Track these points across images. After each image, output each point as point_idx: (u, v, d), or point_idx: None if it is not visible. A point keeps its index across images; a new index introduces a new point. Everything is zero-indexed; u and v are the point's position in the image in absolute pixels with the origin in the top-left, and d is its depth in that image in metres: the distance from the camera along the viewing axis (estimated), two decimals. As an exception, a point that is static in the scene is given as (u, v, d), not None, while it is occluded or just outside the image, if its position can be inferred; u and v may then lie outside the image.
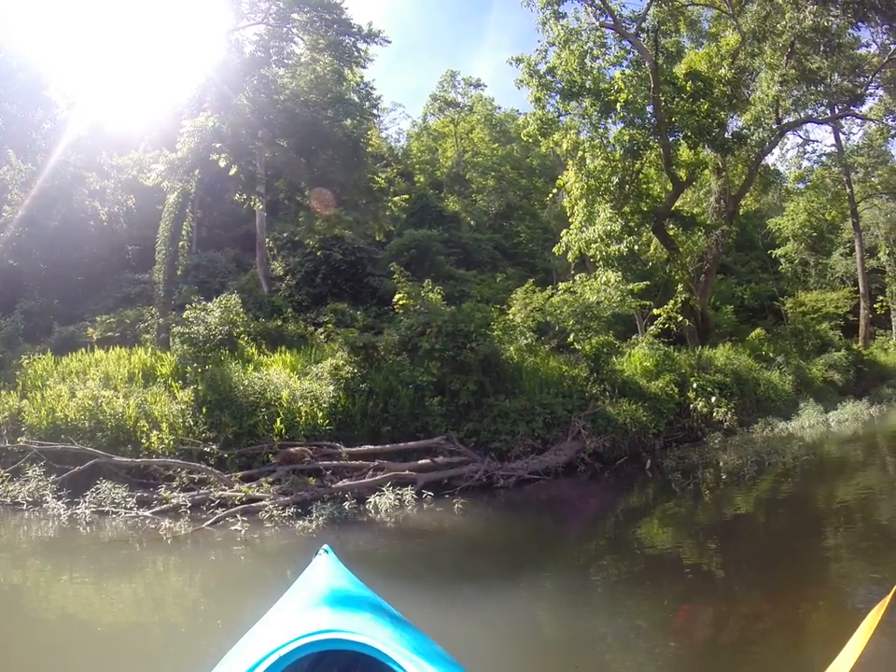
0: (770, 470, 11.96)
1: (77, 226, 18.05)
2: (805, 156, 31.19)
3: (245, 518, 8.14)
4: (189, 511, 8.61)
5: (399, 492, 9.12)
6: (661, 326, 17.38)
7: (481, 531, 8.72)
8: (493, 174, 31.26)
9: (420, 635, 2.64)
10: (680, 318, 18.00)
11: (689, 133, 18.76)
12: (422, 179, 29.65)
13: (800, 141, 30.72)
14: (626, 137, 17.68)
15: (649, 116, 18.63)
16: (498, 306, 14.11)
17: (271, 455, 9.45)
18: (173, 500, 8.83)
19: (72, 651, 5.10)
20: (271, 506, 8.48)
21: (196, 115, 13.83)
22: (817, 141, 40.23)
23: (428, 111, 37.74)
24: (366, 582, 3.17)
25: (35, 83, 21.78)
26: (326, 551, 3.29)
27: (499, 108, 35.93)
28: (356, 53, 16.01)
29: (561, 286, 15.72)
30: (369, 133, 14.43)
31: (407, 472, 9.72)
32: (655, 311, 17.40)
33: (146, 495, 9.10)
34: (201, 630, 5.57)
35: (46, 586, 6.94)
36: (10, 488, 9.39)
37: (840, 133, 28.93)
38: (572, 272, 19.14)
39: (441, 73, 57.15)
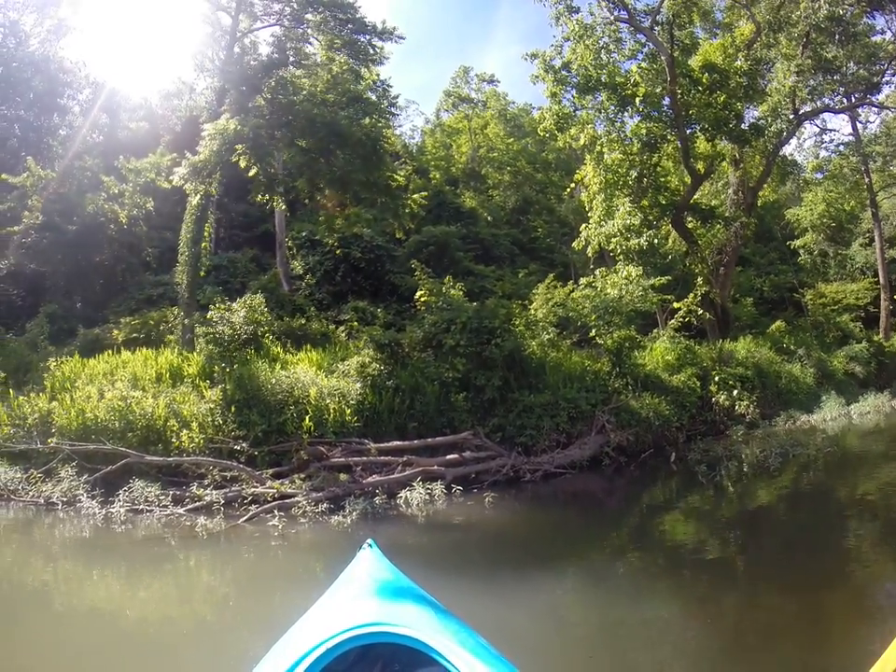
0: (794, 463, 11.92)
1: (96, 230, 18.24)
2: (823, 146, 30.88)
3: (282, 514, 8.17)
4: (222, 509, 8.66)
5: (429, 486, 9.16)
6: (681, 319, 17.28)
7: (510, 524, 8.75)
8: (508, 169, 31.19)
9: (466, 628, 2.65)
10: (700, 311, 17.87)
11: (706, 126, 18.66)
12: (437, 176, 29.66)
13: (817, 130, 30.50)
14: (643, 131, 17.61)
15: (665, 109, 18.56)
16: (520, 301, 14.09)
17: (303, 453, 9.48)
18: (206, 498, 8.89)
19: (105, 646, 5.15)
20: (304, 502, 8.53)
21: (215, 118, 13.93)
22: (834, 130, 39.67)
23: (442, 107, 37.89)
24: (406, 574, 3.16)
25: (50, 91, 22.08)
26: (370, 545, 3.30)
27: (513, 103, 36.19)
28: (371, 51, 16.03)
29: (582, 280, 15.66)
30: (386, 131, 14.41)
31: (435, 467, 9.75)
32: (675, 304, 17.30)
33: (178, 493, 9.18)
34: (238, 624, 5.63)
35: (79, 582, 7.02)
36: (43, 489, 9.49)
37: (857, 123, 28.61)
38: (591, 266, 19.06)
39: (450, 70, 57.37)
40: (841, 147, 30.09)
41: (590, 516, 9.49)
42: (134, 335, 14.91)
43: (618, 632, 5.17)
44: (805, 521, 8.49)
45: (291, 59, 15.23)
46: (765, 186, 24.84)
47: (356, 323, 14.47)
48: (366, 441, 9.99)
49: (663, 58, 18.70)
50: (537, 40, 62.07)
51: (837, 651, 4.58)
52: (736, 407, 15.07)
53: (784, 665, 4.50)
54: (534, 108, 35.14)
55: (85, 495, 9.15)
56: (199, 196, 13.02)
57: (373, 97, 14.86)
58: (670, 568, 6.69)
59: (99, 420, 10.26)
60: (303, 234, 21.12)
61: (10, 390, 11.55)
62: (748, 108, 22.48)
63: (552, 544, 7.89)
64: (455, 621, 2.69)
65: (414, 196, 14.64)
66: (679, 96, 18.03)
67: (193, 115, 20.38)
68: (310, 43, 17.02)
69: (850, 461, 12.48)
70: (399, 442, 10.11)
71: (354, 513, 8.26)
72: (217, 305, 11.65)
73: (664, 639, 4.98)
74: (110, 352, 13.00)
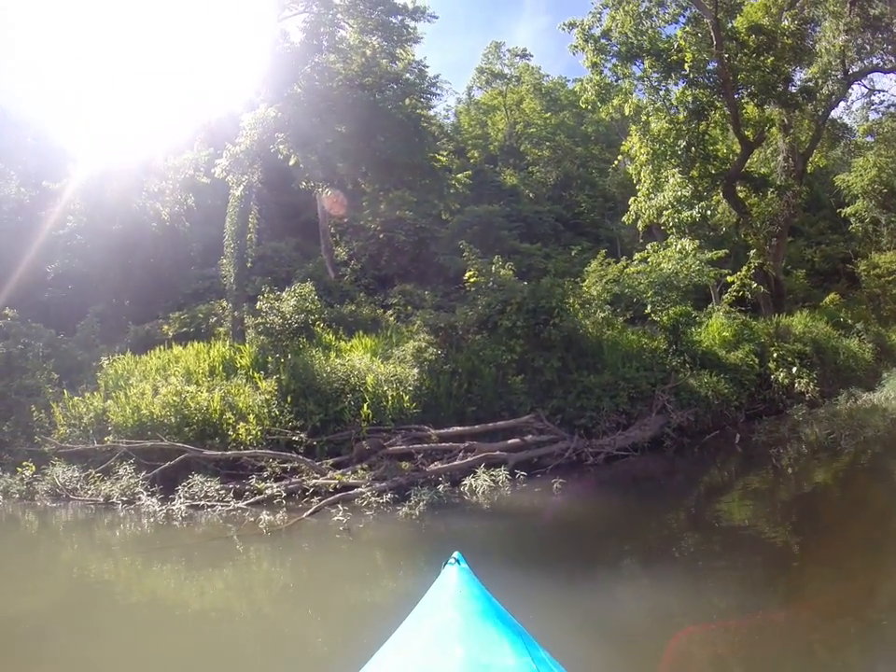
0: (866, 444, 11.36)
1: (139, 228, 18.39)
2: (873, 107, 29.48)
3: (345, 507, 7.94)
4: (284, 502, 8.49)
5: (493, 473, 8.87)
6: (735, 293, 16.62)
7: (580, 512, 8.41)
8: (547, 144, 30.52)
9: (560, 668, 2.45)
10: (755, 285, 17.17)
11: (754, 90, 17.88)
12: (475, 154, 29.16)
13: (865, 92, 29.07)
14: (689, 98, 16.94)
15: (711, 74, 17.82)
16: (572, 279, 13.68)
17: (365, 442, 9.28)
18: (267, 491, 8.75)
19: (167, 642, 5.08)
20: (368, 493, 8.32)
21: (254, 108, 13.78)
22: (883, 91, 37.79)
23: (475, 84, 37.30)
24: (491, 575, 3.04)
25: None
26: (456, 560, 3.01)
27: (547, 76, 35.37)
28: (405, 32, 15.69)
29: (636, 256, 15.14)
30: (422, 111, 14.09)
31: (498, 452, 9.47)
32: (729, 278, 16.65)
33: (238, 487, 9.07)
34: (300, 624, 5.44)
35: (139, 578, 6.94)
36: (102, 487, 9.48)
37: (909, 81, 27.18)
38: (641, 240, 18.46)
39: (479, 46, 56.44)
40: (892, 109, 28.68)
41: (659, 503, 9.02)
42: (184, 329, 14.98)
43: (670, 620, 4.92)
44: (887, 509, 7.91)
45: (325, 44, 14.95)
46: (815, 151, 23.83)
47: (409, 307, 14.23)
48: (425, 427, 9.75)
49: (707, 21, 17.94)
50: (566, 9, 60.21)
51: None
52: (796, 385, 14.49)
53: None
54: (569, 81, 34.53)
55: (144, 492, 9.08)
56: (241, 187, 12.91)
57: (411, 78, 14.51)
58: (737, 557, 6.27)
59: (154, 416, 10.24)
60: (346, 220, 20.97)
61: (65, 391, 11.67)
62: (795, 70, 21.57)
63: (624, 531, 7.52)
64: (547, 661, 2.47)
65: (458, 176, 14.33)
66: (727, 60, 17.28)
67: (227, 109, 20.34)
68: (342, 28, 16.75)
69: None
70: (459, 428, 9.85)
71: (421, 504, 7.97)
72: (266, 295, 11.52)
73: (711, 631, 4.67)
74: (161, 347, 13.04)
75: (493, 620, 2.54)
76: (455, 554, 3.06)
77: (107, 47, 20.56)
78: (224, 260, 14.18)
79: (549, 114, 32.11)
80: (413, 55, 15.44)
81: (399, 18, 16.09)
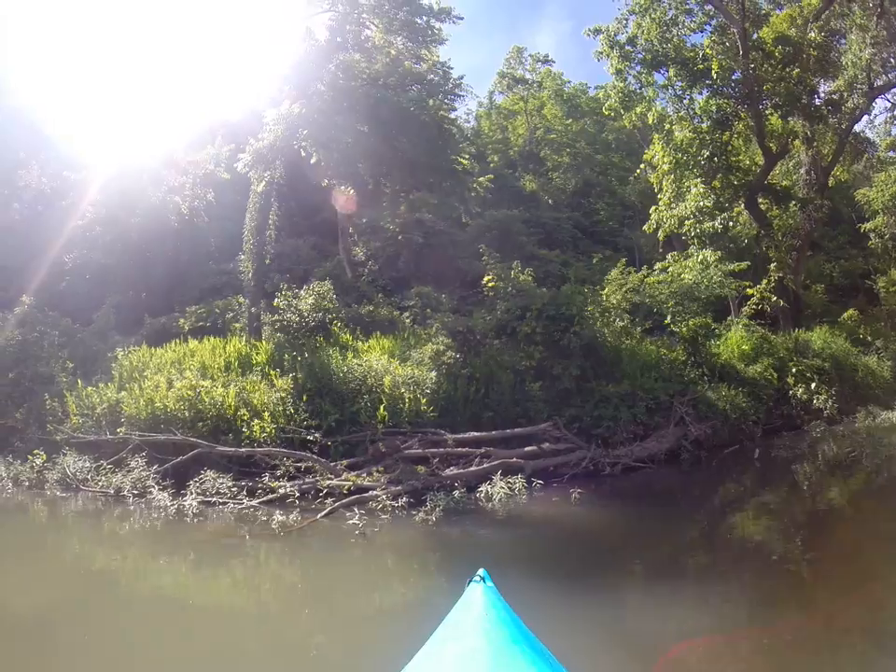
0: (886, 463, 11.26)
1: (158, 221, 18.42)
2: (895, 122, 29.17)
3: (362, 511, 7.81)
4: (298, 502, 8.37)
5: (511, 481, 8.74)
6: (754, 306, 16.44)
7: (598, 524, 8.28)
8: (567, 150, 30.43)
9: None
10: (774, 298, 16.99)
11: (779, 101, 17.73)
12: (495, 159, 29.10)
13: (889, 105, 28.78)
14: (714, 107, 16.80)
15: (735, 84, 17.68)
16: (589, 287, 13.58)
17: (381, 444, 9.18)
18: (280, 490, 8.66)
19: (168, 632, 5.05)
20: (383, 496, 8.21)
21: (276, 105, 13.74)
22: (906, 106, 37.45)
23: (496, 89, 37.12)
24: (507, 585, 2.95)
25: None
26: (482, 578, 2.93)
27: (569, 83, 35.25)
28: (430, 33, 15.62)
29: (657, 265, 15.02)
30: (442, 113, 14.00)
31: (514, 460, 9.35)
32: (749, 291, 16.48)
33: (250, 484, 8.97)
34: (307, 630, 5.32)
35: (146, 572, 6.92)
36: (113, 479, 9.40)
37: (932, 98, 26.83)
38: (660, 250, 18.31)
39: (500, 50, 56.36)
40: (916, 124, 28.36)
41: (675, 516, 8.89)
42: (200, 324, 14.97)
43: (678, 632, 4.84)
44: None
45: (351, 43, 14.91)
46: (837, 165, 23.61)
47: (428, 310, 14.16)
48: (442, 431, 9.64)
49: (733, 30, 17.81)
50: (588, 16, 59.88)
51: None
52: (814, 401, 14.31)
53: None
54: (590, 87, 34.36)
55: (156, 486, 8.98)
56: (263, 183, 12.86)
57: (435, 79, 14.43)
58: (750, 573, 6.13)
59: (168, 410, 10.17)
60: (364, 221, 20.94)
61: (79, 380, 11.63)
62: (820, 83, 21.38)
63: (640, 548, 7.34)
64: None
65: (480, 179, 14.22)
66: (752, 70, 17.15)
67: (249, 106, 20.39)
68: (367, 27, 16.71)
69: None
70: (476, 433, 9.73)
71: (437, 509, 7.86)
72: (284, 293, 11.46)
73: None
74: (177, 341, 12.99)
75: (522, 648, 2.43)
76: (481, 571, 2.97)
77: (132, 41, 20.64)
78: (242, 256, 14.14)
79: (570, 120, 31.99)
80: (438, 56, 15.34)
81: (425, 18, 16.04)
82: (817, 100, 19.87)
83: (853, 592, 5.54)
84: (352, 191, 16.07)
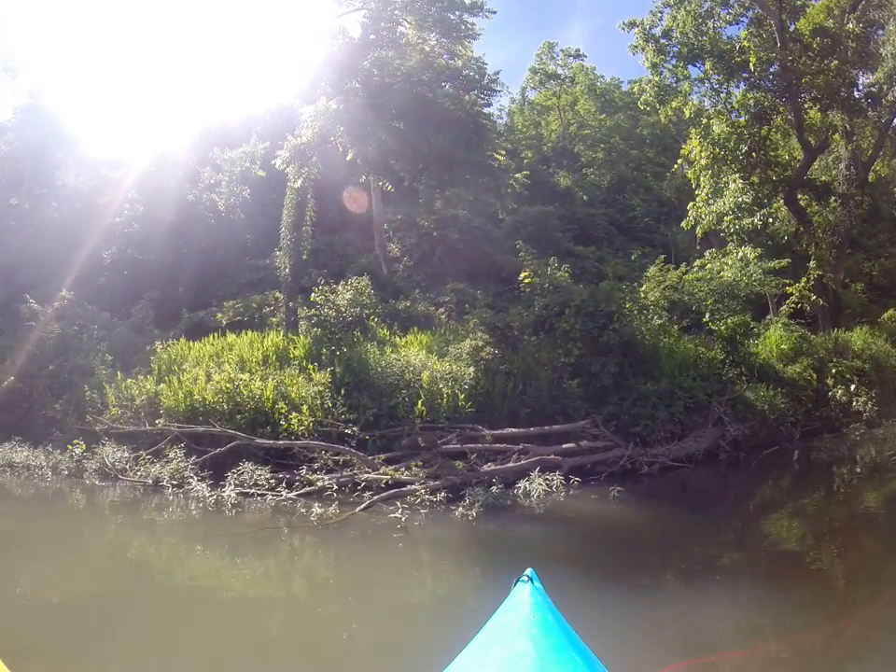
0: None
1: (194, 218, 18.74)
2: (934, 115, 28.30)
3: (405, 506, 7.83)
4: (336, 495, 8.43)
5: (549, 477, 8.68)
6: (793, 305, 16.07)
7: (633, 520, 8.20)
8: (601, 146, 30.08)
9: None
10: (813, 297, 16.59)
11: (818, 94, 17.29)
12: (529, 155, 28.90)
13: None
14: (751, 101, 16.45)
15: (773, 77, 17.30)
16: (627, 284, 13.41)
17: (421, 439, 9.19)
18: (318, 483, 8.71)
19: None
20: (422, 490, 8.21)
21: (312, 102, 13.84)
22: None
23: (528, 85, 36.82)
24: (551, 585, 2.85)
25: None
26: (529, 578, 2.83)
27: (601, 77, 34.86)
28: (463, 28, 15.56)
29: (696, 262, 14.78)
30: (482, 108, 13.96)
31: (552, 456, 9.28)
32: (788, 289, 16.11)
33: (289, 477, 9.03)
34: (343, 622, 5.32)
35: (184, 563, 6.98)
36: (152, 469, 9.57)
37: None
38: (697, 247, 18.01)
39: (531, 45, 55.85)
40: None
41: (711, 517, 8.75)
42: (238, 318, 15.17)
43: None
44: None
45: (385, 39, 14.93)
46: (877, 160, 22.99)
47: (466, 305, 14.15)
48: (479, 427, 9.61)
49: (770, 22, 17.42)
50: (620, 10, 59.03)
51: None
52: (854, 403, 13.96)
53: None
54: (623, 82, 33.99)
55: (194, 477, 9.10)
56: (300, 180, 12.96)
57: (470, 74, 14.36)
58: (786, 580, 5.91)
59: (207, 402, 10.32)
60: (399, 217, 21.00)
61: (118, 373, 11.87)
62: (859, 75, 20.84)
63: (676, 549, 7.20)
64: None
65: (517, 175, 14.16)
66: (790, 62, 16.75)
67: (283, 104, 20.61)
68: (400, 24, 16.73)
69: None
70: (514, 430, 9.70)
71: (476, 504, 7.82)
72: (322, 288, 11.53)
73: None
74: (215, 335, 13.16)
75: (570, 656, 2.33)
76: (528, 571, 2.88)
77: (168, 41, 20.99)
78: (279, 252, 14.29)
79: (603, 115, 31.61)
80: (472, 52, 15.28)
81: (458, 14, 15.99)
82: (856, 93, 19.37)
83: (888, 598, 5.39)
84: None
